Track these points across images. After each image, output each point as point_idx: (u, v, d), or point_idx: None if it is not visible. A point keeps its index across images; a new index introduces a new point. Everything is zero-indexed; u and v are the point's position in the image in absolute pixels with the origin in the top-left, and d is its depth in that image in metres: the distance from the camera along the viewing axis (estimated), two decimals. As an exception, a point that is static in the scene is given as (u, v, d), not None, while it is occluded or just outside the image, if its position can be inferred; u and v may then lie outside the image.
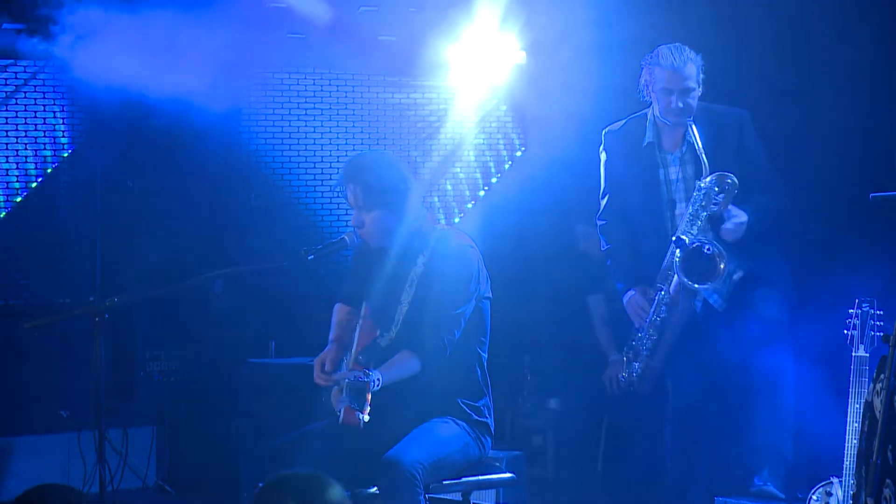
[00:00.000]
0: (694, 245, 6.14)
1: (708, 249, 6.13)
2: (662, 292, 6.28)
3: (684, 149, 6.34)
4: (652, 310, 6.31)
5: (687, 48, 6.31)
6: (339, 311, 5.78)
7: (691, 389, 6.43)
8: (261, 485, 5.78)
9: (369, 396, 5.15)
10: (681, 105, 6.24)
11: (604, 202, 6.56)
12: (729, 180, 6.15)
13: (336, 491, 3.31)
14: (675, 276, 6.21)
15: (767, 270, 6.36)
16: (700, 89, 6.32)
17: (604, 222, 6.53)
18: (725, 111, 6.38)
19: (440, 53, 8.26)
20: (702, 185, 6.18)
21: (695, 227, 6.18)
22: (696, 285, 6.17)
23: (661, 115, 6.31)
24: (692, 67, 6.27)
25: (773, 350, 6.33)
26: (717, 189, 6.15)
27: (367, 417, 5.19)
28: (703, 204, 6.19)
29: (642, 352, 6.36)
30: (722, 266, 6.13)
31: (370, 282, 5.66)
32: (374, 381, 5.18)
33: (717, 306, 6.36)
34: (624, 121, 6.52)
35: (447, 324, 5.43)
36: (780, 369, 6.36)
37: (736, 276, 6.36)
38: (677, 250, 6.15)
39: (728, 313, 6.37)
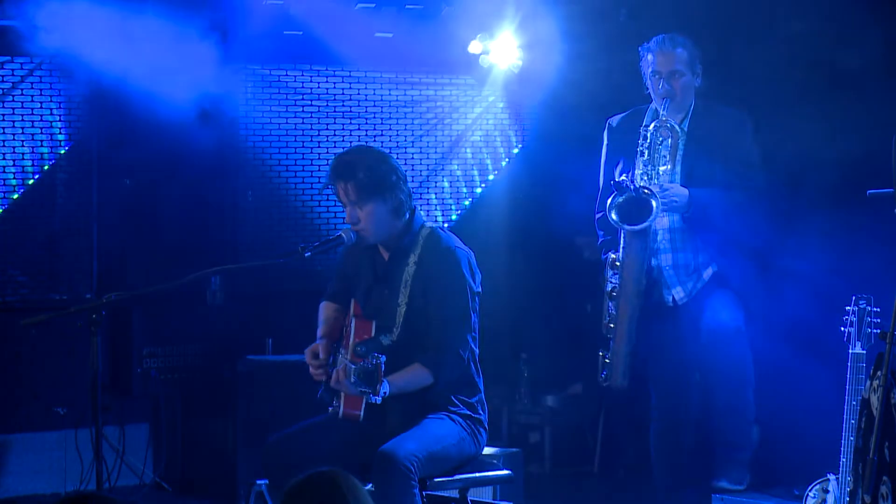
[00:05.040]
0: (625, 185, 6.11)
1: (630, 184, 6.09)
2: (613, 255, 6.25)
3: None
4: (609, 277, 6.28)
5: (683, 37, 6.33)
6: (325, 309, 5.77)
7: (669, 386, 6.42)
8: (258, 482, 5.82)
9: (382, 378, 5.10)
10: (667, 87, 6.25)
11: (601, 190, 6.55)
12: (669, 125, 6.17)
13: (355, 484, 3.32)
14: (621, 239, 6.20)
15: (729, 272, 6.32)
16: (692, 77, 6.31)
17: (600, 214, 6.52)
18: (725, 110, 6.39)
19: (437, 50, 8.26)
20: (647, 132, 6.19)
21: (644, 178, 6.19)
22: (625, 226, 6.14)
23: (655, 101, 6.33)
24: (683, 52, 6.30)
25: (728, 352, 6.32)
26: (659, 136, 6.16)
27: (380, 400, 5.15)
28: (651, 156, 6.19)
29: (608, 335, 6.32)
30: (654, 203, 6.09)
31: (360, 280, 5.66)
32: (383, 367, 5.12)
33: (679, 300, 6.33)
34: (629, 111, 6.52)
35: (464, 339, 5.43)
36: (737, 371, 6.36)
37: (706, 274, 6.33)
38: (613, 195, 6.15)
39: (694, 311, 6.34)
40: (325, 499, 3.25)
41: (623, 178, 6.11)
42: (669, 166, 6.18)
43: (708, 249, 6.30)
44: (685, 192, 6.18)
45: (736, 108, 6.42)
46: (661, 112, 6.21)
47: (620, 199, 6.12)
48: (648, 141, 6.18)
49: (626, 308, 6.22)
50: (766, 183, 6.36)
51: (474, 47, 8.24)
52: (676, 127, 6.19)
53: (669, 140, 6.17)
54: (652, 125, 6.19)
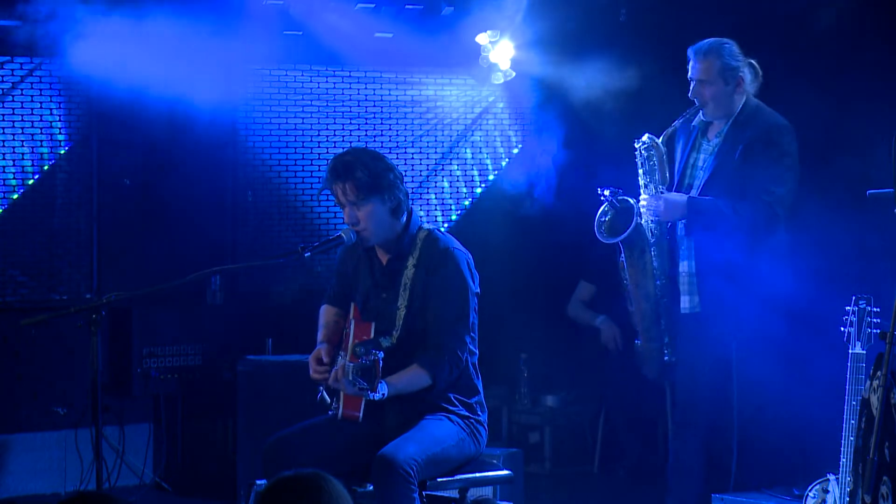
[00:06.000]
0: (608, 195, 6.18)
1: (603, 196, 6.16)
2: (622, 259, 6.32)
3: (716, 140, 6.34)
4: (623, 278, 6.36)
5: (726, 43, 6.29)
6: (326, 313, 5.77)
7: (684, 388, 6.44)
8: (258, 482, 5.82)
9: (379, 374, 5.11)
10: (697, 94, 6.28)
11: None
12: (653, 141, 6.22)
13: (336, 489, 3.31)
14: (622, 247, 6.26)
15: (729, 285, 6.31)
16: (727, 87, 6.26)
17: None
18: (766, 119, 6.31)
19: (437, 50, 8.26)
20: (637, 145, 6.25)
21: (642, 188, 6.26)
22: (608, 239, 6.21)
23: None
24: (715, 62, 6.25)
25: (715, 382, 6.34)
26: (644, 153, 6.22)
27: (377, 396, 5.16)
28: (648, 169, 6.24)
29: (636, 328, 6.43)
30: (632, 209, 6.16)
31: (358, 283, 5.65)
32: (380, 363, 5.12)
33: (682, 310, 6.35)
34: (691, 109, 6.51)
35: (462, 340, 5.43)
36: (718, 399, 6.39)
37: (709, 289, 6.33)
38: (600, 209, 6.22)
39: (701, 321, 6.34)
40: (306, 500, 3.24)
41: (600, 189, 6.18)
42: (658, 177, 6.24)
43: (712, 259, 6.29)
44: (682, 198, 6.21)
45: (780, 117, 6.35)
46: (695, 120, 6.28)
47: (608, 217, 6.20)
48: (643, 156, 6.25)
49: (638, 308, 6.34)
50: (784, 197, 6.28)
51: (476, 45, 8.25)
52: (660, 143, 6.23)
53: (655, 155, 6.23)
54: (643, 139, 6.24)
